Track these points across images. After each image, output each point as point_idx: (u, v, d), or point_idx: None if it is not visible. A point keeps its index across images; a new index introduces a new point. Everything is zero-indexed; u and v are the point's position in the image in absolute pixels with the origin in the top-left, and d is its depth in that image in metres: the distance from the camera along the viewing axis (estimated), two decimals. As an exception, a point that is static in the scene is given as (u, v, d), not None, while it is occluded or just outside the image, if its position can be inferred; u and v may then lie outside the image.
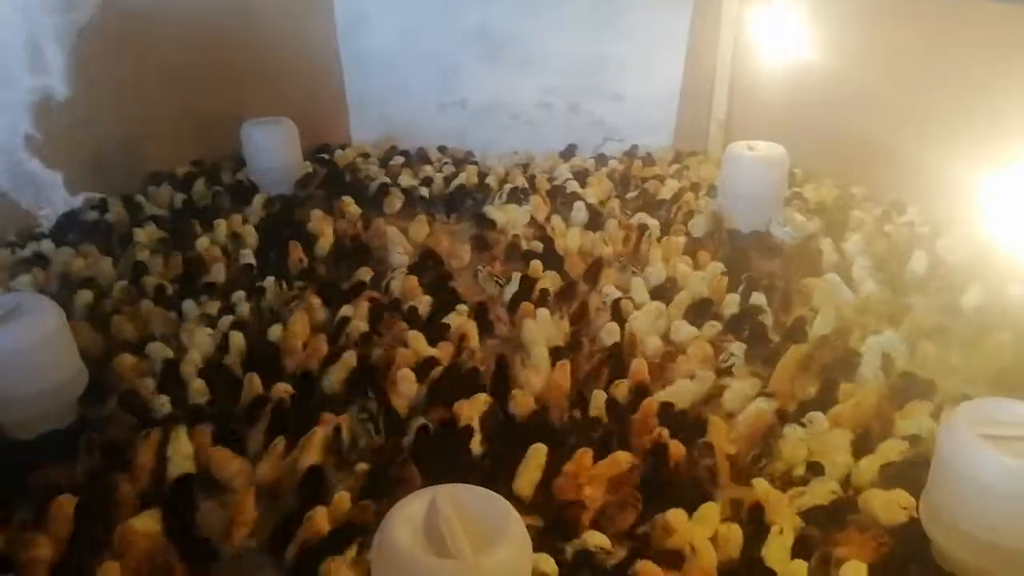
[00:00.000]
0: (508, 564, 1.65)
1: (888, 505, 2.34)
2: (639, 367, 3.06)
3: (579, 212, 4.60)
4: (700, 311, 3.55)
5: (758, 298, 3.57)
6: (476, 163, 5.65)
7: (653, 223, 4.41)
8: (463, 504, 1.76)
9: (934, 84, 4.24)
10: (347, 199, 4.77)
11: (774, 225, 4.29)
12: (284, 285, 3.82)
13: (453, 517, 1.71)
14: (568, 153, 5.82)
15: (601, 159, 5.69)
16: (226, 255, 4.18)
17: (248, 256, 4.09)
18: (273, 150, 5.01)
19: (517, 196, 4.87)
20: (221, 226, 4.42)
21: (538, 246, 4.19)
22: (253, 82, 5.55)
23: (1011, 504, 1.98)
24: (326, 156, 5.68)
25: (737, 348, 3.21)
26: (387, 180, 5.19)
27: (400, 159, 5.71)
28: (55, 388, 2.73)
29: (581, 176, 5.30)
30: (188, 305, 3.58)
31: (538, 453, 2.56)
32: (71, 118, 4.49)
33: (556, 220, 4.55)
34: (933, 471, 2.21)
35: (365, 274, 3.93)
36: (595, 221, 4.54)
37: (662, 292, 3.73)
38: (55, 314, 2.77)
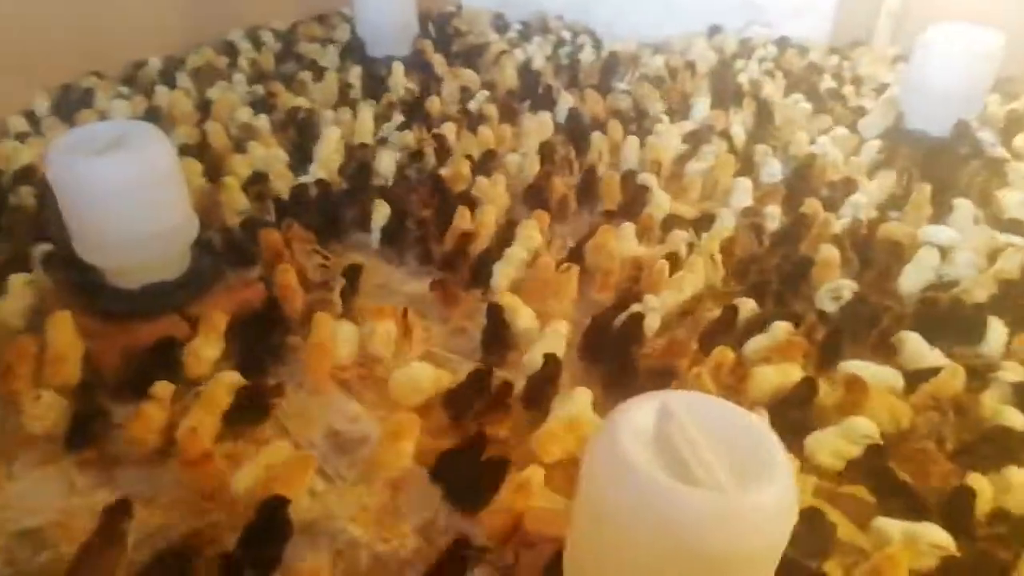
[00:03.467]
0: (779, 505, 1.21)
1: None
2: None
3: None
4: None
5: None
6: (599, 38, 5.04)
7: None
8: (701, 418, 1.32)
9: None
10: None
11: (972, 127, 3.61)
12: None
13: (696, 433, 1.28)
14: (710, 34, 5.12)
15: (746, 44, 4.97)
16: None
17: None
18: (385, 6, 4.46)
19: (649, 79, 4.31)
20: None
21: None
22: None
23: None
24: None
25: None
26: (505, 48, 4.65)
27: (518, 27, 5.15)
28: (165, 232, 2.34)
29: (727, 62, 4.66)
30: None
31: None
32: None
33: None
34: None
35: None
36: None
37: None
38: (166, 148, 2.36)
